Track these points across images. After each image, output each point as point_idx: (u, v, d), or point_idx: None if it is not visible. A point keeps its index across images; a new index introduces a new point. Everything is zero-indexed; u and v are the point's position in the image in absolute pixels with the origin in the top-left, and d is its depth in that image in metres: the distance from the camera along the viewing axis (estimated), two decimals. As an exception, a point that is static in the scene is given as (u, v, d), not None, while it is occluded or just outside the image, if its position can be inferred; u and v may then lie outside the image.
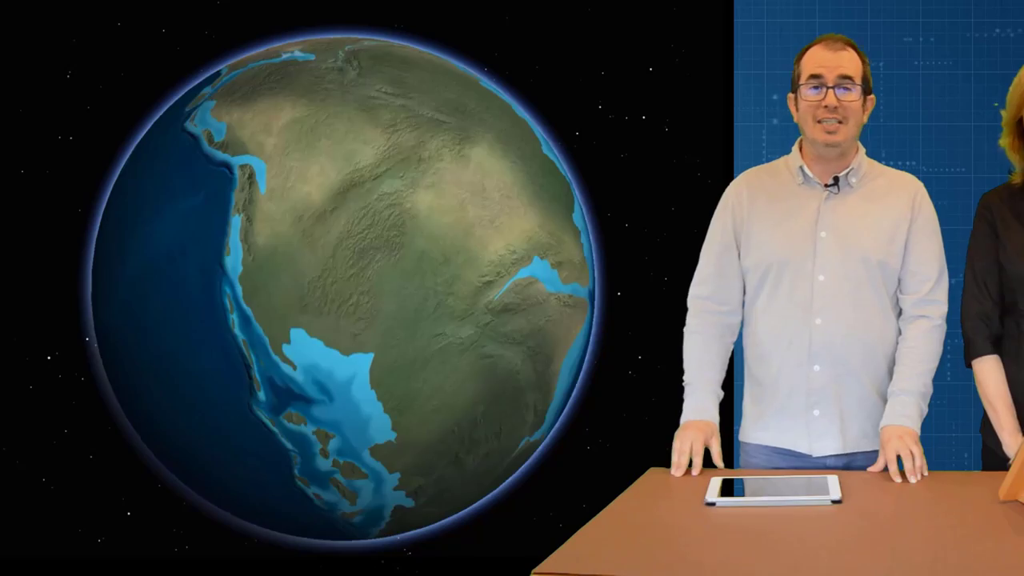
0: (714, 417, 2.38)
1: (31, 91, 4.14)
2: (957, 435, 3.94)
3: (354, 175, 3.62)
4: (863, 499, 2.02)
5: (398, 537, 4.12)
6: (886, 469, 2.22)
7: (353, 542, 4.08)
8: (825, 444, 2.36)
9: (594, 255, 4.17)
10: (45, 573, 4.18)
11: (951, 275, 2.43)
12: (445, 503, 3.98)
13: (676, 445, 2.31)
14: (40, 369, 4.15)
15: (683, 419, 2.39)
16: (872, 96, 2.40)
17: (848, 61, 2.33)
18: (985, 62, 4.00)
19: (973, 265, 2.45)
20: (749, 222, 2.43)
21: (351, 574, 4.20)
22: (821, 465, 2.36)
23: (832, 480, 2.11)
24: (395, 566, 4.23)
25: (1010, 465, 1.96)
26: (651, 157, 4.20)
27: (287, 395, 3.59)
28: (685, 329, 2.50)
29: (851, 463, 2.36)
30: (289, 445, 3.65)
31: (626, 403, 4.23)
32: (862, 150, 2.43)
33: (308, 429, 3.62)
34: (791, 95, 2.42)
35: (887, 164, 2.51)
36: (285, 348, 3.56)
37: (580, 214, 4.11)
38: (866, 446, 2.36)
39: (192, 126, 3.81)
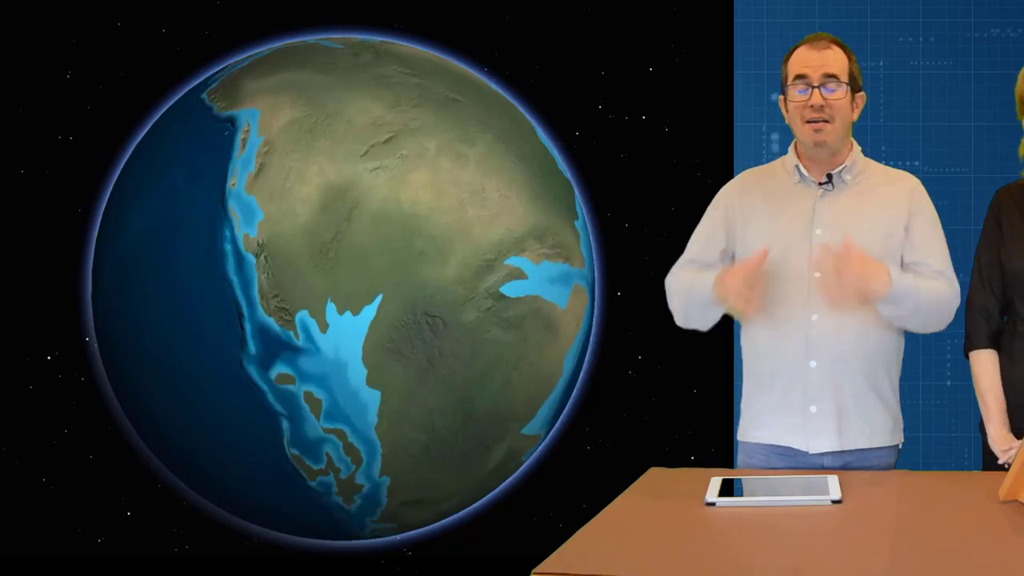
0: None
1: (31, 91, 4.14)
2: (957, 435, 3.94)
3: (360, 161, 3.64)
4: (863, 499, 2.02)
5: (398, 537, 4.12)
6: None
7: (353, 542, 4.08)
8: (821, 442, 2.35)
9: (594, 255, 4.17)
10: (45, 573, 4.18)
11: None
12: (437, 489, 3.97)
13: (724, 295, 2.27)
14: (40, 369, 4.15)
15: (708, 286, 2.34)
16: (862, 93, 2.39)
17: (833, 59, 2.33)
18: (985, 62, 4.00)
19: (979, 260, 2.46)
20: (743, 220, 2.43)
21: (351, 574, 4.20)
22: (818, 463, 2.36)
23: (832, 480, 2.12)
24: (395, 566, 4.23)
25: (1010, 465, 1.96)
26: (651, 157, 4.20)
27: (276, 345, 3.58)
28: (668, 285, 2.48)
29: (848, 462, 2.36)
30: (279, 407, 3.64)
31: (626, 403, 4.23)
32: (856, 148, 2.43)
33: (298, 389, 3.60)
34: (781, 97, 2.42)
35: (887, 164, 2.50)
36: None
37: (580, 214, 4.11)
38: (863, 444, 2.36)
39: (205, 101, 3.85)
